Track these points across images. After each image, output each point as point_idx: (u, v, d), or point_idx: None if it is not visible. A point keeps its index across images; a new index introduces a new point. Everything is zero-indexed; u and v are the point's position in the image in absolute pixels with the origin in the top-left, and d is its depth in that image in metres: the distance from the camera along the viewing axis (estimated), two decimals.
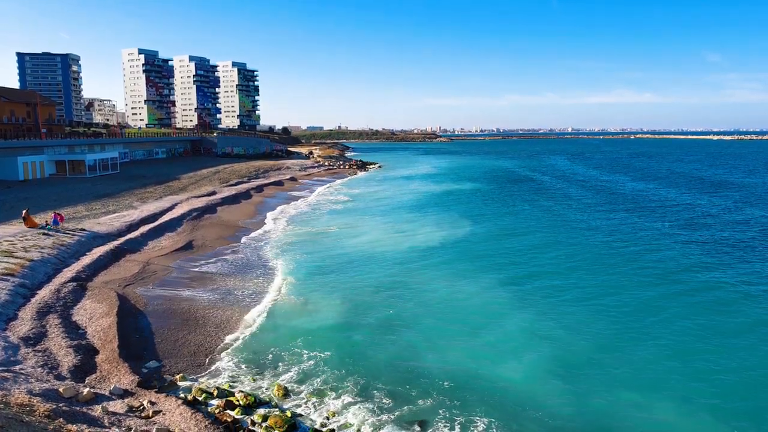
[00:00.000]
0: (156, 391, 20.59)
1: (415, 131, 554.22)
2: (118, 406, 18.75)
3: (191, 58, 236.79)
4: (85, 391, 19.05)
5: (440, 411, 20.33)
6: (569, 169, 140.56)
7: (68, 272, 34.72)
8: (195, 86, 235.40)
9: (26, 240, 39.59)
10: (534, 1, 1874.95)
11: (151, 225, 50.83)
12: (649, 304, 31.90)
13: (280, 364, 24.26)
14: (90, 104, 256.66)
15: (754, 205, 70.48)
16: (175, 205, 63.21)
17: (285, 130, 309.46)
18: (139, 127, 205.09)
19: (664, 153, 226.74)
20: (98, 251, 40.23)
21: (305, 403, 20.96)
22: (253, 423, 19.23)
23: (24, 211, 45.85)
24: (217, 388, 21.58)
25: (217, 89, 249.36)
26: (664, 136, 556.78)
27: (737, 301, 32.46)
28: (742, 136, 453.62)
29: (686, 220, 59.59)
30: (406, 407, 20.59)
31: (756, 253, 43.90)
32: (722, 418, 19.98)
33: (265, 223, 58.98)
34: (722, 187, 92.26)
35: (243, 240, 49.83)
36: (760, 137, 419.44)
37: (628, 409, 20.60)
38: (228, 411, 19.73)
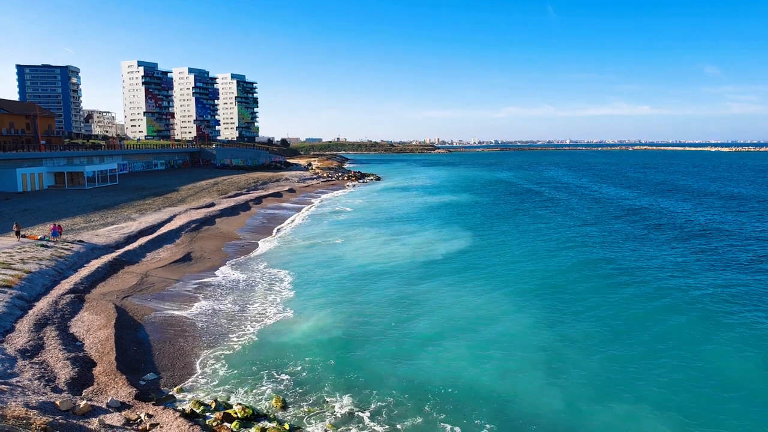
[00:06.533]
0: (153, 404, 20.45)
1: (414, 143, 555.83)
2: (115, 419, 18.60)
3: (190, 70, 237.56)
4: (82, 403, 18.91)
5: (441, 424, 20.22)
6: (566, 180, 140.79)
7: (66, 284, 34.61)
8: (194, 98, 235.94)
9: (24, 252, 39.49)
10: (532, 13, 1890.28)
11: (150, 237, 50.75)
12: (651, 317, 31.85)
13: (278, 376, 24.13)
14: (89, 116, 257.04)
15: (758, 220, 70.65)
16: (174, 216, 63.16)
17: (284, 141, 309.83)
18: (138, 139, 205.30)
19: (660, 164, 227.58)
20: (96, 263, 40.12)
21: (304, 415, 20.82)
22: None
23: (15, 225, 45.51)
24: (215, 400, 21.44)
25: (216, 101, 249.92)
26: (662, 148, 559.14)
27: (736, 314, 32.44)
28: (740, 148, 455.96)
29: (680, 230, 59.66)
30: (406, 421, 20.47)
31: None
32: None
33: (264, 235, 58.91)
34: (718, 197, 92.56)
35: (242, 252, 49.73)
36: (757, 149, 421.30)
37: (629, 419, 20.53)
38: (226, 423, 19.59)
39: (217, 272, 41.74)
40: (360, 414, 20.93)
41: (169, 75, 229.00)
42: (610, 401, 21.94)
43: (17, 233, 44.31)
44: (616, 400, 22.08)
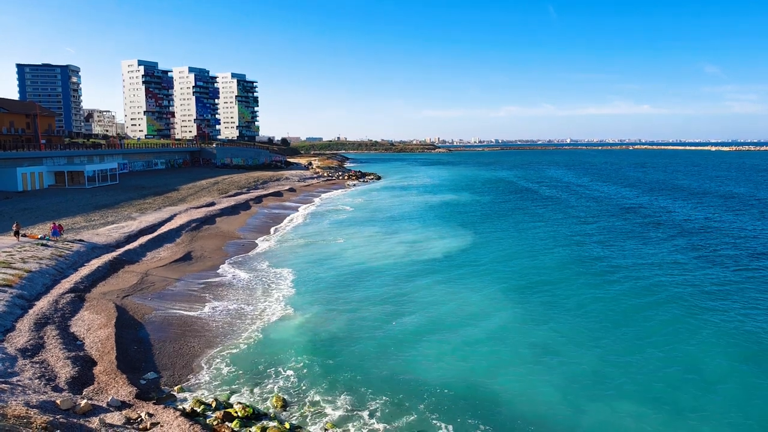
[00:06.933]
0: (154, 403, 20.48)
1: (414, 142, 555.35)
2: (115, 418, 18.63)
3: (191, 70, 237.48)
4: (83, 402, 18.95)
5: (439, 423, 20.26)
6: (565, 180, 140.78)
7: (66, 283, 34.64)
8: (194, 97, 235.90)
9: (24, 251, 39.52)
10: (532, 13, 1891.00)
11: (150, 236, 50.77)
12: (647, 315, 31.87)
13: (279, 375, 24.17)
14: (89, 115, 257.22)
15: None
16: (174, 215, 63.19)
17: (284, 140, 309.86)
18: (139, 138, 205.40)
19: (658, 164, 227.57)
20: (97, 262, 40.15)
21: (304, 414, 20.86)
22: None
23: (15, 224, 45.35)
24: (216, 399, 21.48)
25: (216, 100, 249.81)
26: (662, 147, 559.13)
27: (730, 311, 32.47)
28: (740, 147, 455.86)
29: (679, 229, 59.68)
30: (405, 419, 20.51)
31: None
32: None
33: (265, 234, 58.94)
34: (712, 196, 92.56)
35: (242, 251, 49.76)
36: (757, 148, 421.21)
37: (626, 420, 20.57)
38: (226, 423, 19.63)
39: (218, 271, 41.76)
40: (359, 413, 20.97)
41: (169, 74, 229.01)
42: (605, 398, 22.02)
43: (17, 233, 44.26)
44: (611, 396, 22.15)
